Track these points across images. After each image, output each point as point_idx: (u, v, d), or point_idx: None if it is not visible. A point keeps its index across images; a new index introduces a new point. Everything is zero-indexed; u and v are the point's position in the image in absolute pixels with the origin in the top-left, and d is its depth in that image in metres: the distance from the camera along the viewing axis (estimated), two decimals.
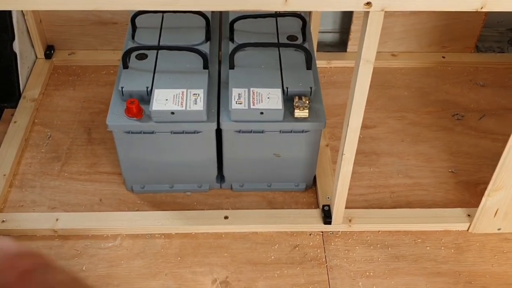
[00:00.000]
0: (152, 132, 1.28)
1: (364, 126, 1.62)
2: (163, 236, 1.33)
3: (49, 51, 1.81)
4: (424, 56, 1.84)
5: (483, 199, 1.28)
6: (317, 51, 1.82)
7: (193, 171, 1.38)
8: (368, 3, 0.92)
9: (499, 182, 1.23)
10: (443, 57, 1.84)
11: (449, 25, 1.80)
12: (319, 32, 1.82)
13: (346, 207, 1.40)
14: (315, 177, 1.46)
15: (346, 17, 1.87)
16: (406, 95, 1.73)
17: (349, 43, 1.85)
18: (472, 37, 1.84)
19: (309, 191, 1.45)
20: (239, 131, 1.29)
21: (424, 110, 1.68)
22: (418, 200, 1.43)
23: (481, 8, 0.93)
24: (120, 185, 1.45)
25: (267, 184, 1.43)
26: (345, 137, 1.17)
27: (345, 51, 1.87)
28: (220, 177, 1.42)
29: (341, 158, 1.21)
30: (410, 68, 1.82)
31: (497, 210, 1.30)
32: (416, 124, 1.63)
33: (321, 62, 1.83)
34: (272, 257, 1.30)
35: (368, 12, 0.95)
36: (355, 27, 1.80)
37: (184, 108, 1.25)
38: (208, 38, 1.45)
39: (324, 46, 1.94)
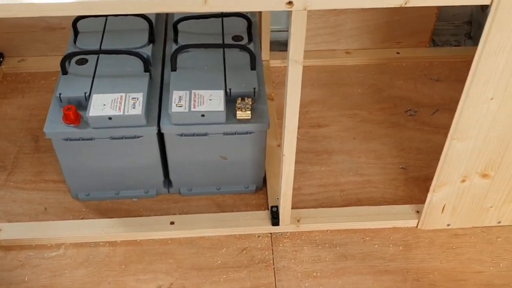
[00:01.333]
0: (91, 139, 1.26)
1: (317, 125, 1.64)
2: (107, 244, 1.31)
3: None
4: (379, 52, 1.84)
5: (429, 195, 1.27)
6: (272, 50, 1.81)
7: (138, 177, 1.36)
8: (290, 3, 0.91)
9: (443, 177, 1.22)
10: (398, 52, 1.84)
11: (402, 20, 1.80)
12: (275, 31, 1.81)
13: (296, 207, 1.39)
14: (265, 178, 1.44)
15: None
16: (359, 93, 1.72)
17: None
18: (426, 31, 1.84)
19: (260, 193, 1.44)
20: (181, 135, 1.27)
21: (377, 107, 1.67)
22: (367, 198, 1.42)
23: (405, 3, 0.92)
24: (65, 193, 1.42)
25: (216, 187, 1.42)
26: (284, 138, 1.15)
27: None
28: (168, 182, 1.40)
29: (282, 159, 1.19)
30: (364, 65, 1.81)
31: (444, 205, 1.29)
32: (368, 121, 1.62)
33: (276, 62, 1.82)
34: (219, 262, 1.28)
35: (291, 11, 0.93)
36: (307, 25, 1.78)
37: (121, 113, 1.23)
38: (151, 40, 1.43)
39: (280, 45, 1.92)
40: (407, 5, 0.92)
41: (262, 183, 1.44)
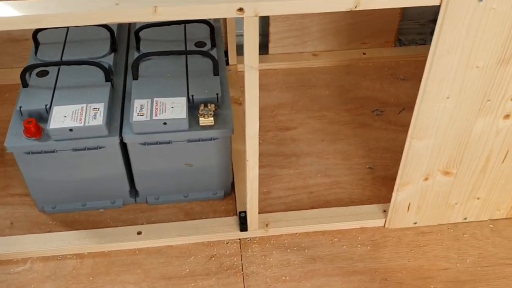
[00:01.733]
0: (54, 151, 1.24)
1: (285, 128, 1.64)
2: (74, 257, 1.30)
3: None
4: (345, 53, 1.85)
5: (394, 195, 1.28)
6: (239, 54, 1.81)
7: (103, 188, 1.35)
8: (241, 9, 0.91)
9: (405, 177, 1.23)
10: (364, 53, 1.85)
11: (366, 21, 1.81)
12: (242, 35, 1.81)
13: (265, 212, 1.39)
14: (233, 184, 1.44)
15: (265, 19, 1.86)
16: (327, 94, 1.72)
17: (270, 45, 1.84)
18: (391, 31, 1.85)
19: (228, 199, 1.44)
20: (144, 144, 1.27)
21: (344, 107, 1.68)
22: (335, 199, 1.43)
23: (355, 7, 0.93)
24: (32, 206, 1.40)
25: (183, 195, 1.41)
26: (246, 143, 1.15)
27: (267, 53, 1.86)
28: (134, 191, 1.40)
29: (246, 165, 1.19)
30: (331, 66, 1.82)
31: (409, 204, 1.30)
32: (336, 122, 1.63)
33: (244, 66, 1.81)
34: (187, 270, 1.28)
35: (242, 18, 0.93)
36: (273, 29, 1.80)
37: (82, 124, 1.22)
38: (113, 49, 1.42)
39: None
40: (357, 9, 0.93)
41: (230, 189, 1.44)
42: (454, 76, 1.04)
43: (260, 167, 1.49)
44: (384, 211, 1.37)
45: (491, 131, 1.15)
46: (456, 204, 1.32)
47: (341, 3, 0.92)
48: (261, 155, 1.53)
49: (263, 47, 1.92)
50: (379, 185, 1.46)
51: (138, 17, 0.90)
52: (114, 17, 0.89)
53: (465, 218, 1.37)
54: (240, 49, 1.84)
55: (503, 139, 1.17)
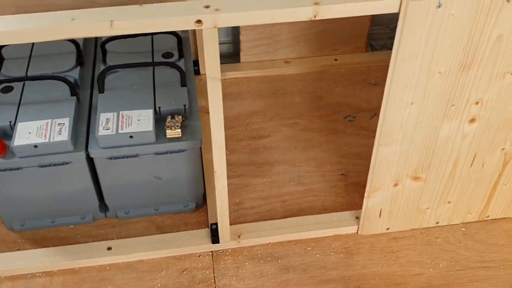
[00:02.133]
0: (19, 168, 1.22)
1: (258, 137, 1.63)
2: (44, 274, 1.27)
3: None
4: (317, 60, 1.85)
5: (364, 201, 1.28)
6: None
7: (72, 203, 1.33)
8: (199, 21, 0.90)
9: (375, 183, 1.23)
10: (336, 59, 1.85)
11: (337, 28, 1.81)
12: None
13: (237, 222, 1.38)
14: (205, 195, 1.43)
15: (236, 27, 1.86)
16: (299, 101, 1.72)
17: (242, 53, 1.84)
18: (361, 37, 1.86)
19: (200, 211, 1.42)
20: (111, 158, 1.25)
21: (317, 114, 1.68)
22: (309, 207, 1.42)
23: (314, 16, 0.93)
24: (0, 224, 1.38)
25: (154, 208, 1.39)
26: (213, 155, 1.14)
27: (239, 61, 1.86)
28: (104, 206, 1.38)
29: (214, 176, 1.18)
30: (304, 73, 1.82)
31: (381, 210, 1.30)
32: (308, 129, 1.63)
33: None
34: (159, 285, 1.26)
35: (201, 30, 0.92)
36: (243, 37, 1.79)
37: (47, 140, 1.20)
38: (80, 63, 1.40)
39: (220, 58, 1.91)
40: (316, 18, 0.93)
41: (202, 200, 1.42)
42: (416, 82, 1.04)
43: (232, 177, 1.49)
44: (357, 217, 1.36)
45: (457, 135, 1.15)
46: (427, 208, 1.32)
47: (300, 13, 0.92)
48: (233, 164, 1.53)
49: (235, 56, 1.92)
50: (352, 191, 1.46)
51: (95, 32, 0.89)
52: (70, 33, 0.88)
53: (437, 222, 1.37)
54: None
55: (470, 143, 1.17)
